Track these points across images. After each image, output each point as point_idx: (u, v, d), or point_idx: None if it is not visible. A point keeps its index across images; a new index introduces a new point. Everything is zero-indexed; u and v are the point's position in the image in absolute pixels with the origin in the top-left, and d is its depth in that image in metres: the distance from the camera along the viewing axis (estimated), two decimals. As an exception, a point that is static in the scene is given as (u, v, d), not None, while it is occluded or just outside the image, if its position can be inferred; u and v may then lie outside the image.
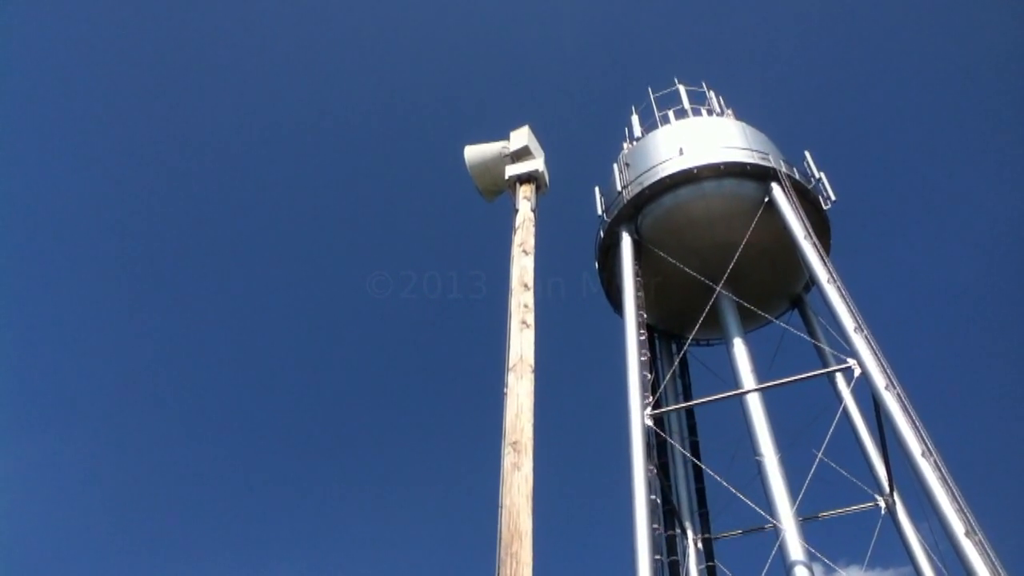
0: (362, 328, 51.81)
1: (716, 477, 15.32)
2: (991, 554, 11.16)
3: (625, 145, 21.63)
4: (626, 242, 18.69)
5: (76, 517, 43.81)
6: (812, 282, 17.33)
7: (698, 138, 19.17)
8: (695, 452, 18.40)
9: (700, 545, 17.14)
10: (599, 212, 20.14)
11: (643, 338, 16.82)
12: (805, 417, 20.55)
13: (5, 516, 39.86)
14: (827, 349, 17.65)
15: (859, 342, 14.11)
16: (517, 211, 7.78)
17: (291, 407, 51.08)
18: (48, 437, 46.69)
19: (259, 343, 50.37)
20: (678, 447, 18.24)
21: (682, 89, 22.31)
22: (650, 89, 22.97)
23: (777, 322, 19.30)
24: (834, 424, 14.32)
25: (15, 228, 44.88)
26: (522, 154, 8.19)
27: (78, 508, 44.35)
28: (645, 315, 17.49)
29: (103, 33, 45.96)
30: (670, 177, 18.21)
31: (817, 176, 18.81)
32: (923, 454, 12.23)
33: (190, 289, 49.87)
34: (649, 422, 15.17)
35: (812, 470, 13.77)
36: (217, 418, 50.02)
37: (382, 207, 52.10)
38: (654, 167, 18.77)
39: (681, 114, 21.22)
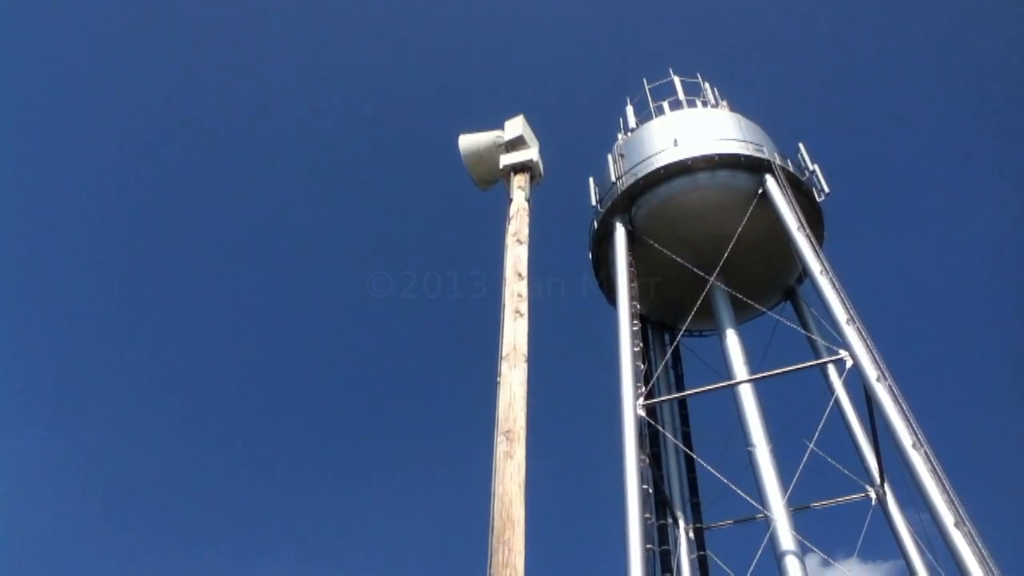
0: (356, 323, 51.76)
1: (708, 467, 15.42)
2: (980, 544, 11.26)
3: (620, 136, 21.59)
4: (620, 233, 18.69)
5: (78, 515, 43.73)
6: (805, 274, 17.40)
7: (693, 129, 19.15)
8: (687, 442, 18.47)
9: (691, 535, 17.25)
10: (593, 202, 20.14)
11: (636, 328, 16.85)
12: (797, 408, 20.67)
13: (8, 513, 39.75)
14: (819, 341, 17.71)
15: (851, 334, 14.17)
16: (511, 201, 7.76)
17: (287, 403, 51.04)
18: (49, 434, 46.59)
19: (261, 341, 50.30)
20: (670, 437, 18.31)
21: (677, 80, 22.26)
22: (645, 80, 22.96)
23: (770, 313, 19.33)
24: (826, 415, 14.42)
25: (15, 228, 44.67)
26: (516, 143, 8.15)
27: (80, 506, 44.29)
28: (638, 306, 17.52)
29: (104, 32, 45.61)
30: (664, 168, 18.21)
31: (811, 168, 18.82)
32: (914, 445, 12.31)
33: (191, 287, 49.79)
34: (641, 412, 15.22)
35: (803, 461, 13.87)
36: (216, 414, 49.96)
37: (381, 202, 51.94)
38: (648, 158, 18.76)
39: (676, 105, 21.19)
